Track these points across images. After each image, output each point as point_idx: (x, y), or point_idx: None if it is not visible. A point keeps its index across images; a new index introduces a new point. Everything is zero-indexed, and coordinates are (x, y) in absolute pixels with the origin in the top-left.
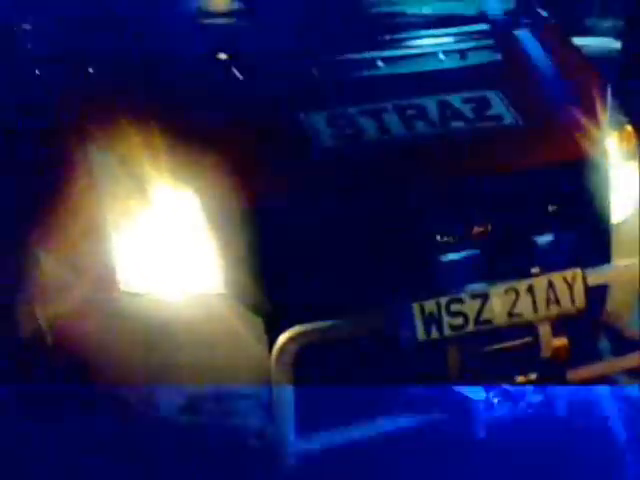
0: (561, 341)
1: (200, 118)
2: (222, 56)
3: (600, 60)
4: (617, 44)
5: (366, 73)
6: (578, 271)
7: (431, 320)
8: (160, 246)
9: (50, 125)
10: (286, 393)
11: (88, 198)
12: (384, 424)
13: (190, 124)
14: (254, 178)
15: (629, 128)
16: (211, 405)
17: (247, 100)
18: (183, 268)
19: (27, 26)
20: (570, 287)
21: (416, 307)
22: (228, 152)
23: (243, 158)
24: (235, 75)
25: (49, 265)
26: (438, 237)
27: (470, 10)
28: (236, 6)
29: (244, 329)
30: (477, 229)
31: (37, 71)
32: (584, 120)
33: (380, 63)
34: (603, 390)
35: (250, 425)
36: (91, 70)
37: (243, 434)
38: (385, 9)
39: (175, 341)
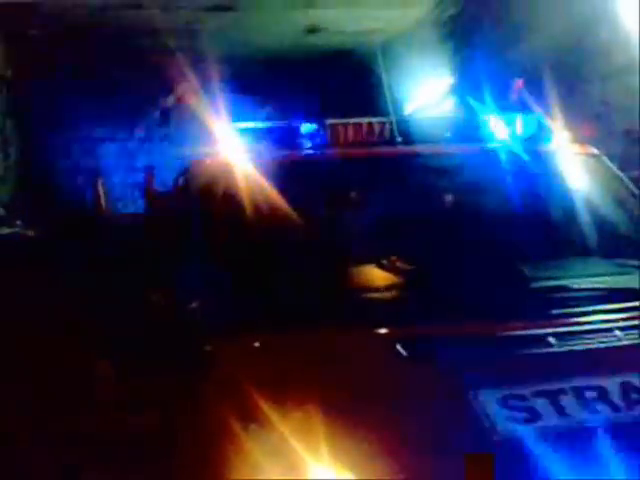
0: None
1: (364, 399)
2: (384, 331)
3: None
4: None
5: (538, 350)
6: None
7: None
8: None
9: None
10: None
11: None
12: None
13: (353, 405)
14: (422, 470)
15: None
16: None
17: (410, 381)
18: None
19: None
20: None
21: None
22: (395, 439)
23: (411, 447)
24: (399, 352)
25: None
26: None
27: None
28: (401, 279)
29: None
30: None
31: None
32: None
33: (552, 339)
34: None
35: None
36: (257, 345)
37: None
38: (552, 282)
39: None
